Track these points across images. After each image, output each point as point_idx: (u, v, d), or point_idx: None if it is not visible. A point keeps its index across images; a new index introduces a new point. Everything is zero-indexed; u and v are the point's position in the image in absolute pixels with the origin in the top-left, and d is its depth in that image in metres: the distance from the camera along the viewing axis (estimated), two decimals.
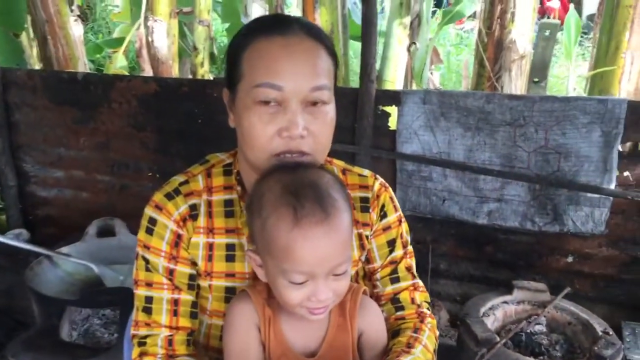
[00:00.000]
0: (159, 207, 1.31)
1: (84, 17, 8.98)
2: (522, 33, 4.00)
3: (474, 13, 5.17)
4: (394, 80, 4.40)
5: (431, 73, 5.46)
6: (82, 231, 2.96)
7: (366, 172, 1.44)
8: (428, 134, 2.82)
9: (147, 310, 1.30)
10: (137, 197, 3.42)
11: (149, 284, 1.31)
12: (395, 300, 1.40)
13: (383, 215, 1.40)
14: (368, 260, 1.42)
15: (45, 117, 3.42)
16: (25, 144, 3.54)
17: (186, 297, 1.32)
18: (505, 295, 2.41)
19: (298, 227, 1.08)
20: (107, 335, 2.72)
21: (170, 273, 1.31)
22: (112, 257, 2.81)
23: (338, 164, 1.44)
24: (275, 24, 1.24)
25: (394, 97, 2.85)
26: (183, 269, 1.31)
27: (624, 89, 4.52)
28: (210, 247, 1.32)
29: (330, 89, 1.22)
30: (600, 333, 2.14)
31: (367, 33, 2.74)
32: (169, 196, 1.32)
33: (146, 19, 4.41)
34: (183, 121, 3.20)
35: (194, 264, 1.33)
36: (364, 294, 1.29)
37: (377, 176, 1.44)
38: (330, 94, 1.23)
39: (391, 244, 1.41)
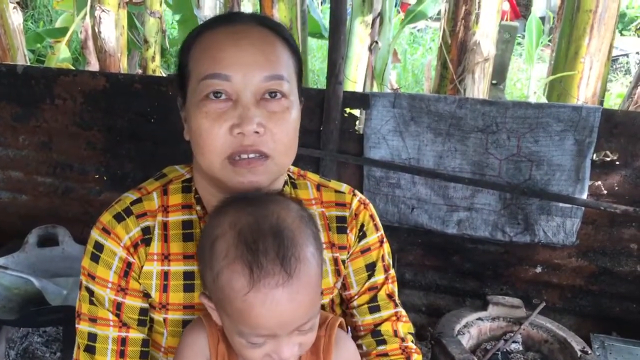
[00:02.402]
0: (106, 231, 1.13)
1: (23, 4, 8.51)
2: (486, 35, 3.93)
3: (437, 13, 5.11)
4: (354, 80, 4.27)
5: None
6: (21, 238, 2.70)
7: (344, 187, 1.28)
8: (397, 139, 2.69)
9: (90, 350, 1.13)
10: (82, 201, 3.18)
11: (92, 320, 1.13)
12: (376, 332, 1.25)
13: (362, 235, 1.24)
14: (344, 286, 1.26)
15: None
16: None
17: (135, 335, 1.14)
18: (480, 312, 2.31)
19: (255, 291, 0.92)
20: (49, 354, 2.50)
21: (118, 307, 1.13)
22: (54, 269, 2.57)
23: (312, 179, 1.28)
24: (223, 17, 1.12)
25: (362, 100, 2.72)
26: (133, 303, 1.14)
27: (582, 94, 4.53)
28: (165, 275, 1.14)
29: (290, 82, 1.07)
30: (579, 353, 2.06)
31: (336, 31, 2.60)
32: (119, 217, 1.13)
33: (93, 8, 4.14)
34: (134, 120, 2.99)
35: (146, 295, 1.15)
36: (340, 326, 1.14)
37: (356, 192, 1.29)
38: (291, 89, 1.08)
39: (370, 267, 1.25)
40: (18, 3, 4.72)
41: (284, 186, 1.21)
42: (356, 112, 2.82)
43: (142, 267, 1.13)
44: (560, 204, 2.58)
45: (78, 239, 2.75)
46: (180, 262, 1.14)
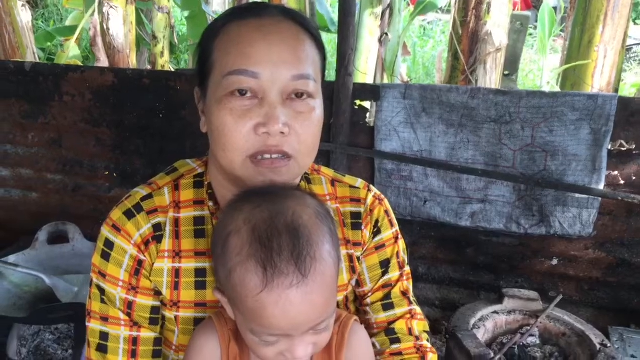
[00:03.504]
0: (116, 228, 1.10)
1: (33, 3, 8.54)
2: (498, 25, 3.87)
3: (447, 4, 5.05)
4: (365, 71, 4.23)
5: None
6: (32, 236, 2.70)
7: (359, 182, 1.25)
8: (408, 130, 2.65)
9: (102, 349, 1.11)
10: (92, 198, 3.17)
11: (104, 318, 1.11)
12: (390, 331, 1.21)
13: (376, 232, 1.21)
14: (358, 283, 1.23)
15: None
16: None
17: (147, 334, 1.12)
18: (495, 305, 2.27)
19: (268, 291, 0.88)
20: (60, 351, 2.48)
21: (129, 306, 1.11)
22: (65, 266, 2.56)
23: (326, 174, 1.25)
24: (251, 8, 1.06)
25: (372, 92, 2.67)
26: (144, 301, 1.11)
27: (596, 83, 4.46)
28: (176, 273, 1.11)
29: (316, 81, 1.03)
30: (598, 346, 2.01)
31: (345, 22, 2.55)
32: (129, 214, 1.11)
33: (101, 5, 4.14)
34: (143, 116, 2.96)
35: (157, 293, 1.13)
36: (355, 322, 1.10)
37: (371, 187, 1.25)
38: (317, 88, 1.04)
39: (385, 264, 1.22)
40: (28, 2, 4.72)
41: (299, 181, 1.18)
42: (366, 104, 2.78)
43: (153, 264, 1.10)
44: (577, 195, 2.52)
45: (88, 236, 2.74)
46: (192, 259, 1.11)
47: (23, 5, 4.19)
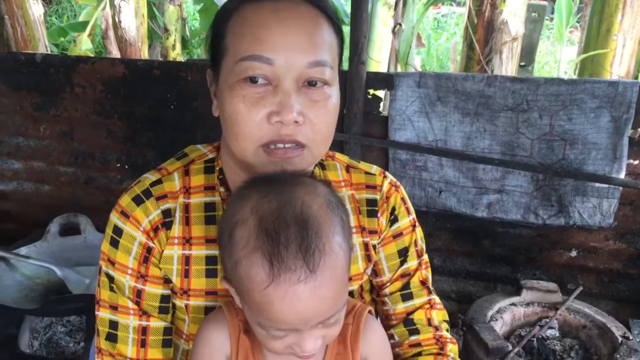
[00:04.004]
0: (125, 214, 1.07)
1: (47, 0, 8.56)
2: (514, 13, 3.80)
3: None
4: (378, 61, 4.17)
5: None
6: (44, 228, 2.68)
7: (374, 169, 1.21)
8: (423, 120, 2.60)
9: (112, 338, 1.08)
10: (104, 190, 3.15)
11: (113, 307, 1.08)
12: (408, 321, 1.18)
13: (393, 219, 1.17)
14: (375, 273, 1.20)
15: (1, 103, 3.11)
16: None
17: (157, 323, 1.09)
18: (513, 297, 2.21)
19: (274, 285, 0.85)
20: (72, 344, 2.46)
21: (138, 295, 1.08)
22: (76, 258, 2.54)
23: (341, 160, 1.21)
24: None
25: (386, 80, 2.62)
26: (153, 290, 1.09)
27: (615, 73, 4.37)
28: (186, 260, 1.08)
29: (333, 68, 0.99)
30: (619, 338, 1.96)
31: (358, 9, 2.50)
32: (138, 200, 1.08)
33: None
34: (154, 107, 2.94)
35: (167, 281, 1.10)
36: (369, 314, 1.07)
37: (387, 174, 1.22)
38: (333, 75, 0.99)
39: (403, 253, 1.18)
40: None
41: (313, 168, 1.14)
42: (380, 93, 2.74)
43: (162, 251, 1.08)
44: (596, 184, 2.46)
45: (100, 228, 2.72)
46: (202, 246, 1.08)
47: None
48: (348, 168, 1.20)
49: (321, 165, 1.18)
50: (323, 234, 0.87)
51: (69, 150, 3.14)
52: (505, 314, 2.12)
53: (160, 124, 2.96)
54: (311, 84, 0.96)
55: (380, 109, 2.69)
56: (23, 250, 2.49)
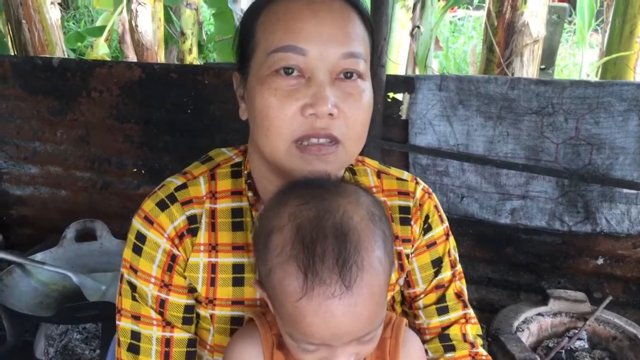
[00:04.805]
0: (149, 220, 1.03)
1: (64, 5, 8.63)
2: (535, 15, 3.73)
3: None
4: (397, 63, 4.12)
5: None
6: (60, 233, 2.66)
7: (405, 174, 1.16)
8: (444, 123, 2.54)
9: (134, 349, 1.04)
10: (120, 195, 3.13)
11: (135, 317, 1.04)
12: (444, 337, 1.12)
13: (427, 228, 1.12)
14: (408, 284, 1.14)
15: (18, 107, 3.10)
16: None
17: (180, 335, 1.04)
18: (540, 307, 2.15)
19: (308, 299, 0.80)
20: (88, 351, 2.44)
21: (161, 305, 1.03)
22: (92, 264, 2.52)
23: (371, 165, 1.16)
24: None
25: (407, 83, 2.57)
26: (177, 300, 1.04)
27: (639, 76, 4.28)
28: (213, 268, 1.04)
29: (366, 61, 0.96)
30: None
31: (377, 10, 2.45)
32: (162, 205, 1.03)
33: (130, 2, 4.11)
34: (171, 111, 2.91)
35: (191, 291, 1.05)
36: (406, 326, 1.01)
37: (419, 180, 1.17)
38: (367, 68, 0.96)
39: (437, 263, 1.13)
40: (59, 4, 4.73)
41: (344, 172, 1.09)
42: (400, 96, 2.68)
43: (187, 259, 1.03)
44: (624, 190, 2.38)
45: (116, 234, 2.69)
46: (229, 253, 1.04)
47: (52, 3, 4.19)
48: (379, 174, 1.15)
49: (351, 170, 1.13)
50: (362, 248, 0.82)
51: (85, 155, 3.12)
52: (531, 325, 2.05)
53: (177, 128, 2.92)
54: (346, 76, 0.93)
55: (400, 112, 2.64)
56: (39, 256, 2.47)
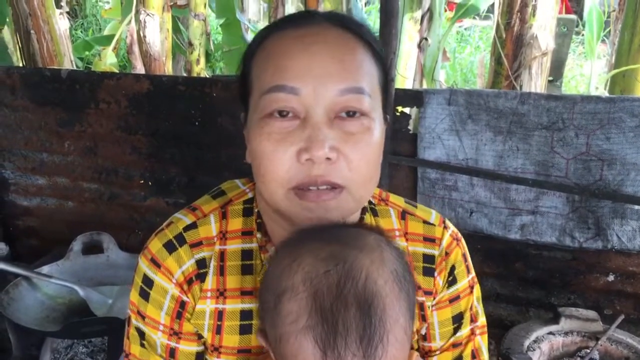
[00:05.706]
0: (156, 263, 0.98)
1: (72, 14, 8.66)
2: (544, 27, 3.72)
3: (486, 10, 4.91)
4: (404, 78, 4.11)
5: None
6: (67, 245, 2.65)
7: (433, 216, 1.08)
8: (453, 138, 2.52)
9: None
10: (128, 207, 3.12)
11: None
12: None
13: (452, 281, 1.05)
14: (424, 337, 1.08)
15: (26, 118, 3.11)
16: (4, 149, 3.22)
17: None
18: (551, 325, 2.12)
19: None
20: None
21: (172, 354, 0.99)
22: (99, 277, 2.51)
23: (396, 204, 1.08)
24: (292, 18, 0.93)
25: (415, 97, 2.56)
26: (187, 348, 1.00)
27: None
28: (219, 315, 0.99)
29: (372, 96, 0.87)
30: None
31: (387, 25, 2.44)
32: (170, 246, 0.98)
33: (138, 12, 4.12)
34: (179, 123, 2.90)
35: (200, 336, 1.01)
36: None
37: (447, 223, 1.09)
38: (373, 105, 0.88)
39: (457, 319, 1.06)
40: (67, 12, 4.74)
41: (363, 214, 1.02)
42: (408, 110, 2.67)
43: (195, 306, 0.98)
44: (636, 207, 2.35)
45: (123, 246, 2.69)
46: (237, 299, 0.99)
47: (61, 14, 4.21)
48: (404, 214, 1.06)
49: (373, 210, 1.05)
50: (387, 318, 0.75)
51: (92, 166, 3.11)
52: (543, 344, 2.03)
53: (184, 140, 2.92)
54: (347, 114, 0.85)
55: (409, 126, 2.62)
56: (45, 269, 2.46)
